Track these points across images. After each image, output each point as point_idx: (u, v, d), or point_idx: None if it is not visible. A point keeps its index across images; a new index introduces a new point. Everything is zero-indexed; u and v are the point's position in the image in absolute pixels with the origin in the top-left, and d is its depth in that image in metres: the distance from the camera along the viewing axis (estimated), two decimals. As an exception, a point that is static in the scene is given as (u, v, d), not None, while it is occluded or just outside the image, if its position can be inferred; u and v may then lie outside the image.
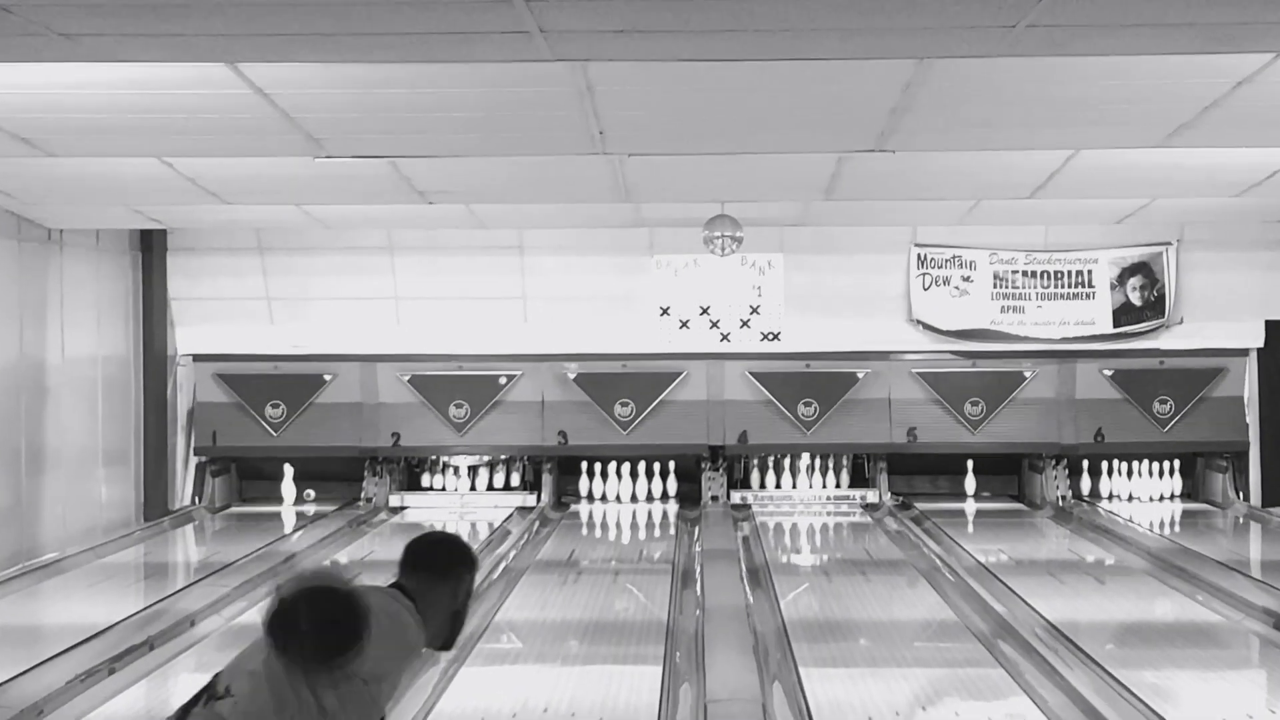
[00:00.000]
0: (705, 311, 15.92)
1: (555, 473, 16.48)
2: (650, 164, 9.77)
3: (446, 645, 4.25)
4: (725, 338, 15.96)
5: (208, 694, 3.78)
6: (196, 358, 16.04)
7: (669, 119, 7.84)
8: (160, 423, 15.90)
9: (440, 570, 4.17)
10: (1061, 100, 7.37)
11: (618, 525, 15.40)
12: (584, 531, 15.07)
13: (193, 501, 15.97)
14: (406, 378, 15.89)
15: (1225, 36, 5.62)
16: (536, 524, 15.22)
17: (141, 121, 7.93)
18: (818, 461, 16.63)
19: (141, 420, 15.84)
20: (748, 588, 11.71)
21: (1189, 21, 5.42)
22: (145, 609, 10.71)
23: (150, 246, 15.84)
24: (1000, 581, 11.59)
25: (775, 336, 15.93)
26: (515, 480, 16.66)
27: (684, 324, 15.93)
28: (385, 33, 5.27)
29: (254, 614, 10.67)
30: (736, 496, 16.39)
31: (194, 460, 16.11)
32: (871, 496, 16.44)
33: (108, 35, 5.41)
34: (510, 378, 16.08)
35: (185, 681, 9.16)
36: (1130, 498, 16.47)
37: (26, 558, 13.01)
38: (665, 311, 15.91)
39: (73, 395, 14.40)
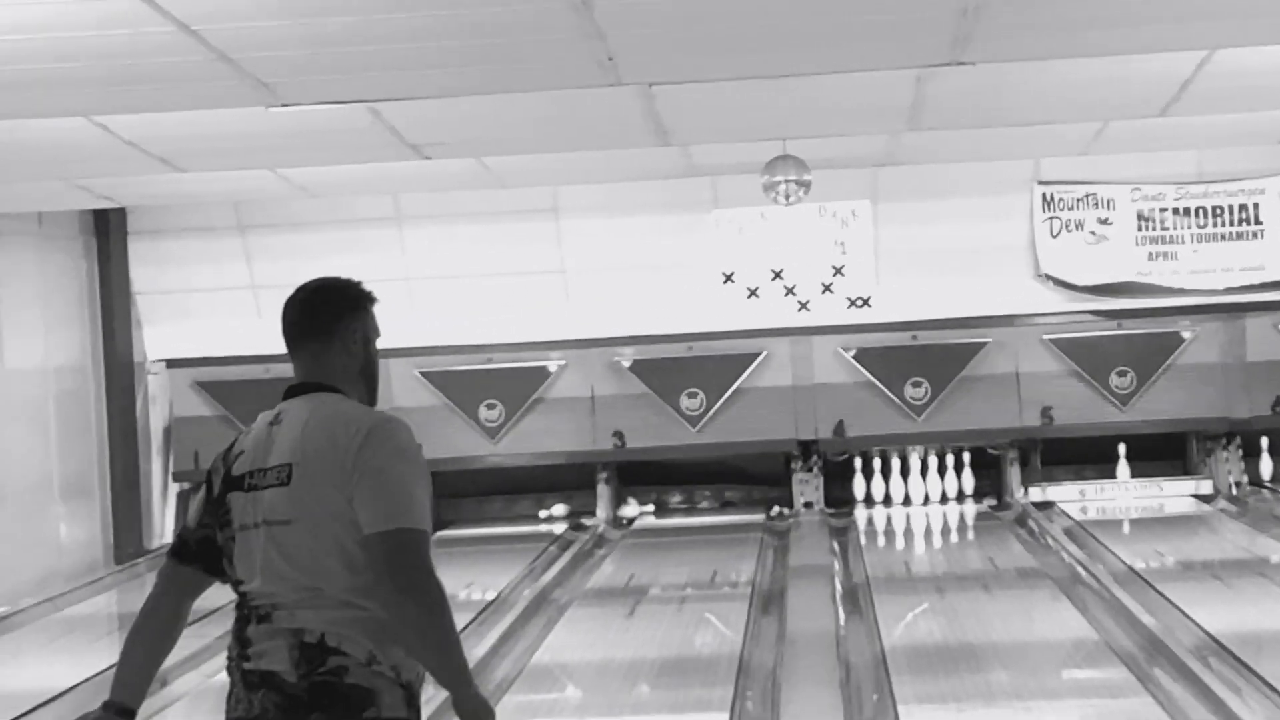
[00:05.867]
0: (778, 276, 15.87)
1: (613, 482, 16.49)
2: (685, 95, 9.71)
3: (373, 399, 4.62)
4: (804, 306, 15.90)
5: None
6: (170, 363, 16.20)
7: (689, 36, 7.81)
8: (130, 445, 16.05)
9: (327, 318, 4.52)
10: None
11: (690, 543, 15.36)
12: (650, 552, 15.04)
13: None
14: (424, 374, 15.93)
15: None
16: (590, 545, 15.29)
17: (54, 72, 7.97)
18: (932, 454, 16.58)
19: (106, 443, 15.97)
20: (842, 611, 11.70)
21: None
22: (110, 668, 10.79)
23: (106, 230, 15.99)
24: (1156, 591, 11.51)
25: (865, 302, 15.85)
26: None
27: (752, 292, 15.88)
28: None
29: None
30: (835, 499, 16.36)
31: (174, 488, 16.20)
32: (999, 495, 16.37)
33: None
34: (553, 369, 16.10)
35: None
36: (1324, 482, 16.33)
37: (-30, 614, 13.16)
38: (729, 278, 15.87)
39: (18, 416, 14.56)
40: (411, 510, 4.16)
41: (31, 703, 9.77)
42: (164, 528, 16.19)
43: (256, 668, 4.27)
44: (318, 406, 4.37)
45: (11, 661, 11.77)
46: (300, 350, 4.52)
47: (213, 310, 16.04)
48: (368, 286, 4.57)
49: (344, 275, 4.58)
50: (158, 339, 16.25)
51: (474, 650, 10.68)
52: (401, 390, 15.87)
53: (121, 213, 15.90)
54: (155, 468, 16.25)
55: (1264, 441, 16.39)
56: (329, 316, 4.48)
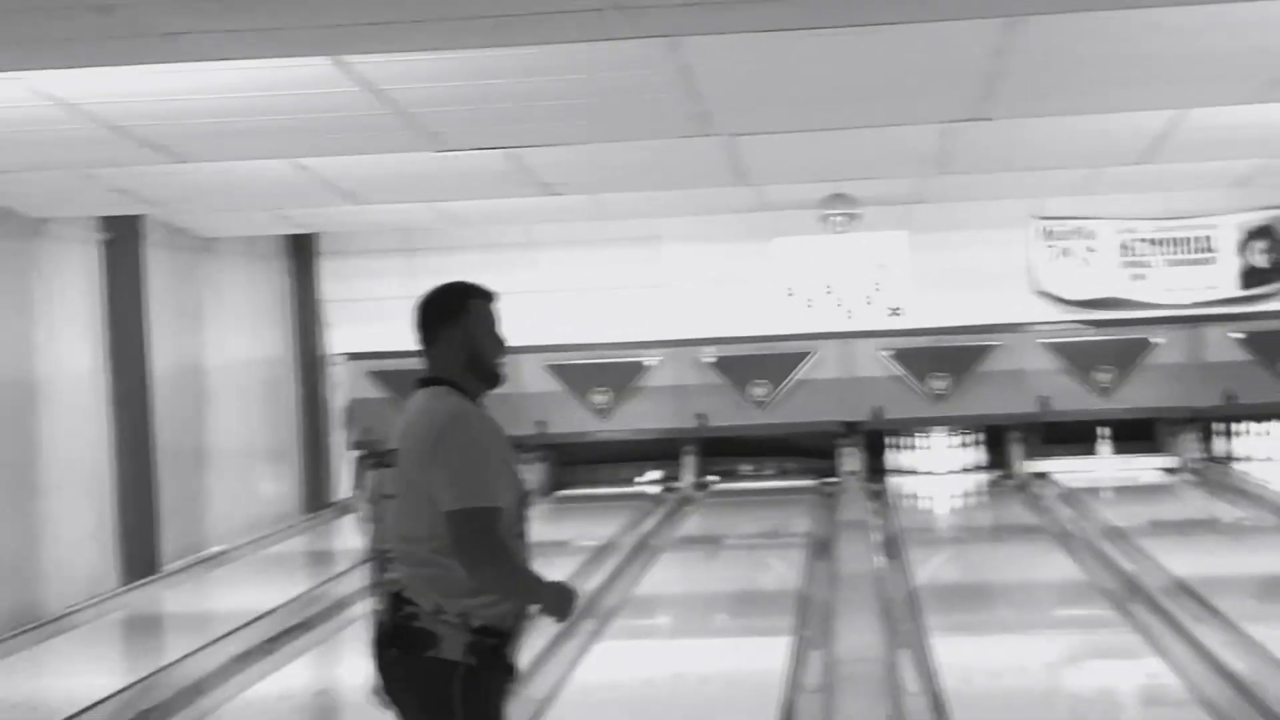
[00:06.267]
0: (830, 291, 15.69)
1: (696, 454, 16.43)
2: (760, 144, 9.67)
3: (499, 380, 4.35)
4: (850, 315, 15.69)
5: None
6: (350, 356, 16.17)
7: (767, 95, 7.74)
8: (317, 420, 16.15)
9: (433, 323, 4.24)
10: (1149, 58, 7.19)
11: (758, 503, 15.32)
12: (725, 510, 15.01)
13: (352, 494, 16.13)
14: (549, 367, 15.96)
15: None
16: (678, 503, 15.27)
17: (264, 124, 7.97)
18: (951, 435, 16.40)
19: (299, 418, 16.07)
20: (881, 557, 11.64)
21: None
22: (304, 594, 10.86)
23: (301, 251, 16.07)
24: (1132, 543, 11.40)
25: (899, 312, 15.68)
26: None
27: (809, 303, 15.71)
28: (468, 16, 5.27)
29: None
30: (873, 469, 16.17)
31: (351, 455, 16.24)
32: (1005, 466, 16.16)
33: (209, 33, 5.44)
34: (650, 363, 16.07)
35: (333, 659, 9.29)
36: (1264, 458, 15.98)
37: (194, 551, 13.24)
38: (791, 292, 15.72)
39: (233, 396, 14.61)
40: (475, 492, 4.01)
41: (241, 621, 9.83)
42: (343, 485, 16.25)
43: (376, 608, 4.23)
44: (423, 401, 4.19)
45: (227, 589, 11.85)
46: (422, 350, 4.30)
47: (382, 315, 16.00)
48: (478, 285, 4.32)
49: (464, 282, 4.33)
50: (340, 337, 16.28)
51: (587, 585, 10.68)
52: (531, 379, 15.80)
53: (314, 237, 15.99)
54: (337, 439, 16.32)
55: (1217, 426, 16.18)
56: (430, 325, 4.24)
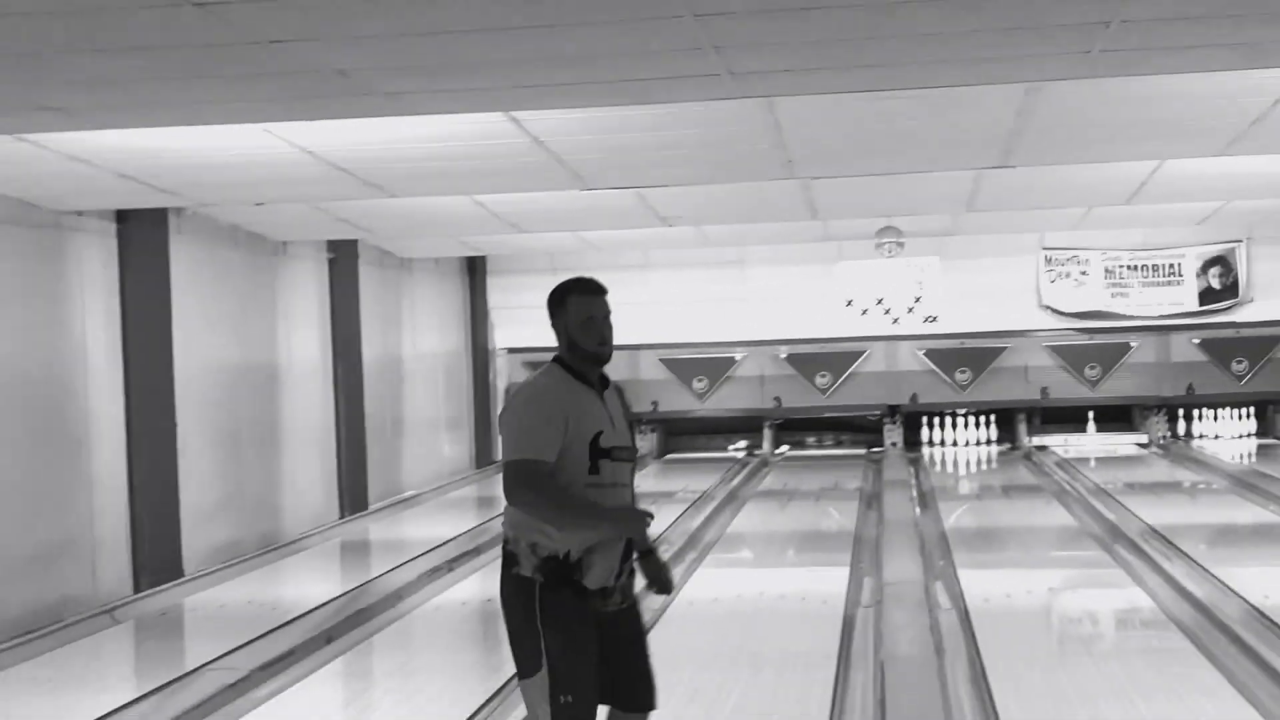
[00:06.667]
0: (879, 302, 15.60)
1: (773, 428, 16.37)
2: (829, 186, 9.57)
3: (598, 359, 3.95)
4: (895, 322, 15.62)
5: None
6: (510, 350, 16.23)
7: (838, 147, 7.67)
8: (484, 398, 16.16)
9: (549, 315, 3.96)
10: (1137, 119, 7.05)
11: (820, 466, 15.23)
12: (795, 471, 14.94)
13: (510, 454, 16.18)
14: (661, 360, 15.95)
15: (1260, 53, 5.29)
16: (759, 465, 15.22)
17: (453, 167, 7.94)
18: (971, 416, 16.23)
19: (471, 396, 16.10)
20: (918, 508, 11.54)
21: (1233, 42, 5.14)
22: (475, 528, 10.91)
23: (474, 269, 16.11)
24: (1114, 499, 11.24)
25: (933, 320, 15.59)
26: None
27: (863, 312, 15.61)
28: (615, 80, 5.26)
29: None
30: (910, 441, 16.05)
31: (510, 426, 16.33)
32: (1014, 441, 15.97)
33: (421, 92, 5.46)
34: (738, 358, 16.03)
35: (497, 577, 9.32)
36: (1215, 436, 15.87)
37: (393, 494, 13.35)
38: (849, 303, 15.64)
39: (423, 380, 14.68)
40: (512, 448, 3.75)
41: (428, 546, 9.90)
42: (503, 448, 16.35)
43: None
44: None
45: (416, 524, 11.88)
46: None
47: (534, 320, 15.97)
48: (580, 281, 4.00)
49: (568, 280, 4.01)
50: (502, 336, 16.32)
51: (689, 524, 10.68)
52: (646, 369, 15.83)
53: (484, 258, 16.02)
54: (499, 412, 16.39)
55: (1180, 411, 15.97)
56: (549, 316, 3.96)
